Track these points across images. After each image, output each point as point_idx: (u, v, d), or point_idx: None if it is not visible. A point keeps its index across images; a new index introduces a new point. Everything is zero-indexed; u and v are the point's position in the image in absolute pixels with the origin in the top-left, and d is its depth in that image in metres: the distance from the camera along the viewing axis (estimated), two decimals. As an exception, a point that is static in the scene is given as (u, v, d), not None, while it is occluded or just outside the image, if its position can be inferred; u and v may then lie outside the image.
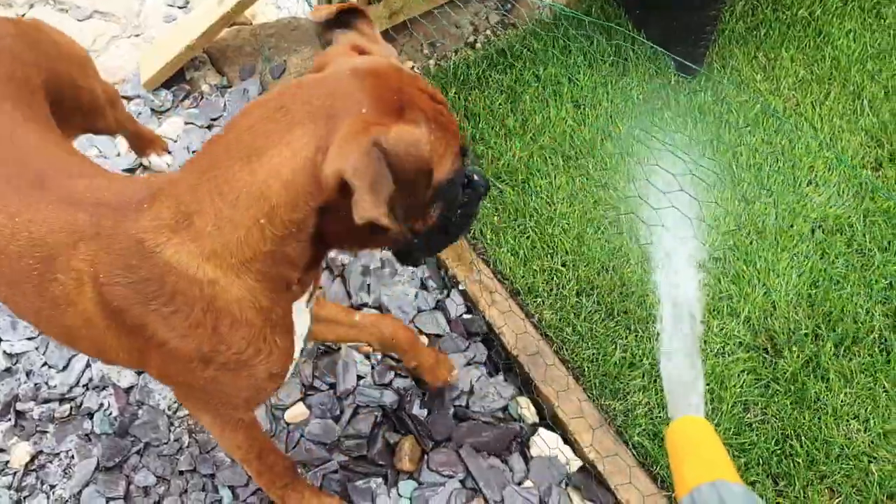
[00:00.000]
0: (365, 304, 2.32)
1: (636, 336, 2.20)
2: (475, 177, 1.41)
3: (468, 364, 2.21)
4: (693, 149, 2.52)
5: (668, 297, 1.34)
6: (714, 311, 2.23)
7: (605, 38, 2.82)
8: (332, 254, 2.36)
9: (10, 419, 2.11)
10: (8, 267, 1.43)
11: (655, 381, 2.14)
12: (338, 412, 2.12)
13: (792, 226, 2.38)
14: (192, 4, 3.12)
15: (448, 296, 2.36)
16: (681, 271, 1.40)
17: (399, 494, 1.99)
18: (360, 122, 1.15)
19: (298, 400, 2.13)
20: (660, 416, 2.07)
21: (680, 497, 1.10)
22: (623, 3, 2.96)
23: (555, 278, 2.32)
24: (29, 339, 2.24)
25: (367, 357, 2.23)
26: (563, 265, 2.34)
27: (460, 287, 2.34)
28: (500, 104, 2.70)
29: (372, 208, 1.12)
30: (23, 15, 3.06)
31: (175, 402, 2.13)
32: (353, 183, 1.12)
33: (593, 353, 2.18)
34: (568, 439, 2.08)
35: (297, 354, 1.51)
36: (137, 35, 3.02)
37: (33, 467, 2.05)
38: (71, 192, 1.42)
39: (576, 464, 2.04)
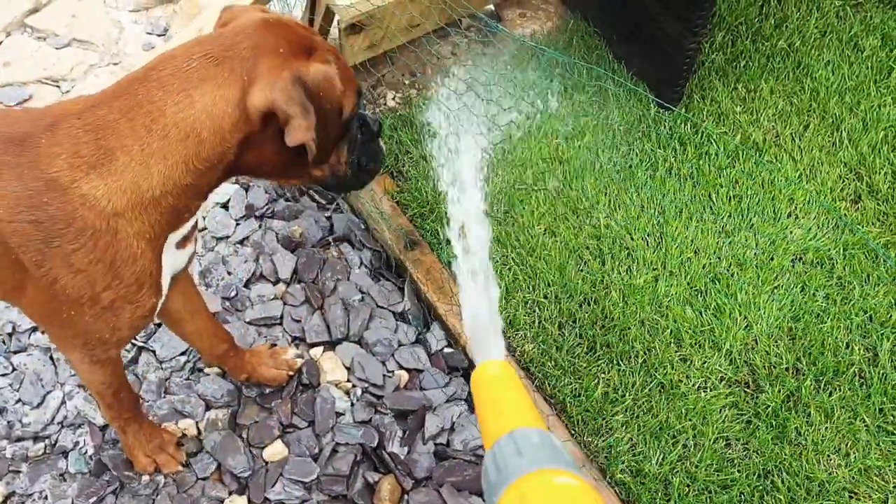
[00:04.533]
0: (346, 338, 2.30)
1: (618, 370, 2.19)
2: (368, 117, 1.59)
3: (449, 401, 2.19)
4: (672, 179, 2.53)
5: (462, 249, 1.35)
6: (696, 344, 2.23)
7: (586, 70, 2.83)
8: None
9: (-19, 459, 2.07)
10: None
11: (638, 416, 2.13)
12: (317, 450, 2.09)
13: (772, 258, 2.39)
14: (171, 32, 3.11)
15: (429, 329, 2.34)
16: (471, 225, 1.39)
17: (379, 535, 1.97)
18: (281, 58, 1.32)
19: (277, 437, 2.10)
20: (642, 453, 2.06)
21: (489, 444, 1.06)
22: (604, 35, 2.97)
23: (536, 310, 2.31)
24: (2, 375, 2.20)
25: (347, 393, 2.21)
26: (545, 297, 2.33)
27: (441, 320, 2.32)
28: (479, 134, 2.70)
29: (305, 132, 1.32)
30: None
31: (151, 441, 2.09)
32: (285, 110, 1.30)
33: (575, 388, 2.16)
34: (550, 477, 2.06)
35: (164, 290, 1.55)
36: (116, 63, 3.00)
37: (5, 509, 2.01)
38: None
39: (558, 502, 2.02)
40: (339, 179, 1.58)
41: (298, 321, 2.32)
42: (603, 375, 2.19)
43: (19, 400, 2.17)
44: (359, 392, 2.20)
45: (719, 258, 2.39)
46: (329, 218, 2.58)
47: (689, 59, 2.64)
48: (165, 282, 1.54)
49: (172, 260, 1.55)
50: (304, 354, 2.26)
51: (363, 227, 2.56)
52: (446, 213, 1.40)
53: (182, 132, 1.31)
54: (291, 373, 2.19)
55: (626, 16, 2.83)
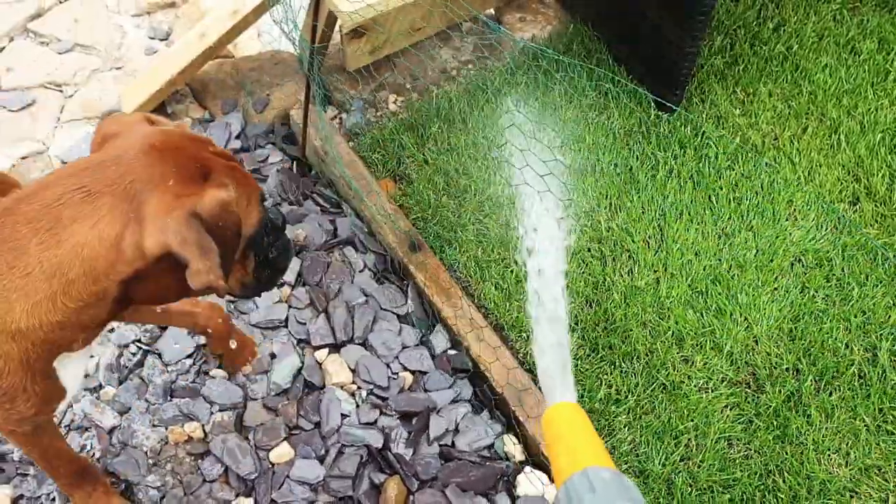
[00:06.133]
0: (350, 341, 2.32)
1: (621, 371, 2.22)
2: (271, 216, 1.53)
3: (454, 402, 2.21)
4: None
5: (536, 293, 1.38)
6: (697, 345, 2.25)
7: (587, 73, 2.85)
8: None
9: (-11, 462, 2.08)
10: None
11: (640, 417, 2.15)
12: (322, 452, 2.11)
13: (772, 260, 2.41)
14: (173, 37, 3.13)
15: (433, 331, 2.36)
16: (547, 272, 1.44)
17: (385, 536, 1.99)
18: (171, 195, 1.24)
19: (283, 440, 2.12)
20: (645, 453, 2.08)
21: (558, 488, 1.11)
22: (604, 38, 3.00)
23: (539, 313, 2.33)
24: (9, 379, 2.21)
25: (352, 395, 2.22)
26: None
27: (445, 322, 2.34)
28: (482, 137, 2.72)
29: (208, 273, 1.23)
30: (2, 48, 3.05)
31: (159, 443, 2.11)
32: (182, 254, 1.21)
33: (579, 390, 2.18)
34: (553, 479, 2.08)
35: (71, 392, 1.53)
36: (119, 68, 3.02)
37: (14, 511, 2.02)
38: None
39: (562, 502, 2.04)
40: (246, 288, 1.54)
41: (303, 324, 2.34)
42: (605, 377, 2.21)
43: (26, 403, 2.18)
44: (364, 394, 2.22)
45: (720, 260, 2.41)
46: (333, 222, 2.60)
47: (688, 63, 2.67)
48: (69, 381, 1.51)
49: (78, 361, 1.52)
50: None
51: (366, 230, 2.58)
52: (524, 267, 1.43)
53: (45, 272, 1.24)
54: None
55: (625, 20, 2.86)
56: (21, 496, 2.04)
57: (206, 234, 1.24)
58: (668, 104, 2.71)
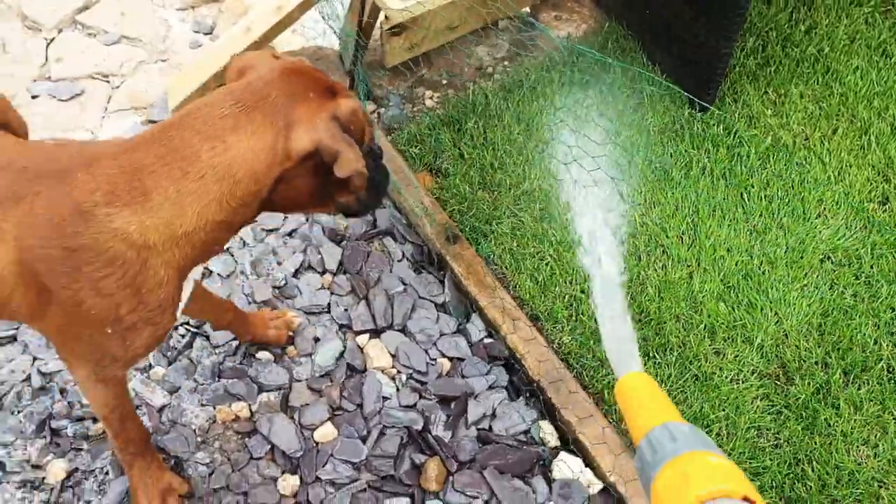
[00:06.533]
0: (390, 327, 2.39)
1: (654, 363, 2.28)
2: (375, 142, 1.72)
3: (490, 388, 2.28)
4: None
5: (597, 274, 1.49)
6: (729, 338, 2.31)
7: (622, 71, 2.91)
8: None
9: (45, 437, 2.16)
10: None
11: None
12: (365, 432, 2.18)
13: (802, 257, 2.47)
14: (217, 32, 3.21)
15: (469, 320, 2.43)
16: (605, 249, 1.53)
17: (425, 514, 2.06)
18: (314, 103, 1.46)
19: (327, 420, 2.20)
20: (677, 441, 2.14)
21: (637, 443, 1.21)
22: (638, 37, 3.06)
23: (574, 304, 2.40)
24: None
25: (392, 379, 2.30)
26: (582, 291, 2.42)
27: (482, 312, 2.41)
28: (517, 133, 2.79)
29: (357, 161, 1.46)
30: (51, 40, 3.14)
31: (207, 422, 2.19)
32: (332, 146, 1.44)
33: (613, 380, 2.25)
34: (589, 463, 2.14)
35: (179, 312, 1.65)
36: (164, 60, 3.11)
37: (69, 484, 2.10)
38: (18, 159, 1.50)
39: (597, 487, 2.11)
40: (359, 202, 1.70)
41: (345, 310, 2.42)
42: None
43: (79, 381, 2.26)
44: (403, 378, 2.30)
45: (751, 256, 2.47)
46: (373, 213, 2.67)
47: (722, 64, 2.73)
48: (181, 306, 1.63)
49: (190, 285, 1.64)
50: (300, 316, 2.39)
51: (405, 222, 2.66)
52: (584, 250, 1.51)
53: (217, 174, 1.41)
54: (291, 332, 2.34)
55: (660, 20, 2.92)
56: (76, 469, 2.12)
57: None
58: (702, 103, 2.78)
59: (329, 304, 2.43)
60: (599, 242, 1.49)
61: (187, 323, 2.36)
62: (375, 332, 2.39)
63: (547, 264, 2.48)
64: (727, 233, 2.51)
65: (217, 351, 2.32)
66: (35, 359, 2.28)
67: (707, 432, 2.16)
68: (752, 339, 2.30)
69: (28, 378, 2.25)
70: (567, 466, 2.12)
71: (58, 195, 1.41)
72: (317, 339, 2.36)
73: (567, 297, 2.41)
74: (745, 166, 2.67)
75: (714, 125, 2.78)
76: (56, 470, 2.10)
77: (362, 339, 2.37)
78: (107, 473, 2.12)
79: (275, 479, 2.10)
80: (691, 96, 2.79)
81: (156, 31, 3.21)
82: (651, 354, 2.29)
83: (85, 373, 1.71)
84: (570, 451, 2.18)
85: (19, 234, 1.42)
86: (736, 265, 2.45)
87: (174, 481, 2.04)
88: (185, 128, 1.43)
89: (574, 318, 2.38)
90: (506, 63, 3.10)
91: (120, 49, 3.13)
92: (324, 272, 2.50)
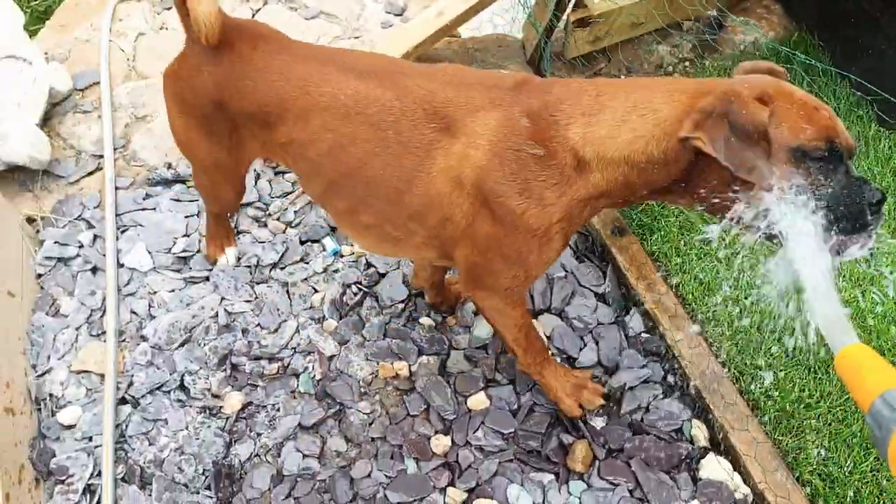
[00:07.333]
0: (547, 309, 2.46)
1: (815, 378, 2.23)
2: (866, 185, 1.57)
3: (645, 382, 2.30)
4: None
5: (803, 255, 1.51)
6: (900, 364, 2.22)
7: (808, 80, 2.84)
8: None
9: (226, 370, 2.37)
10: (391, 139, 1.70)
11: (830, 424, 2.16)
12: (516, 406, 2.26)
13: None
14: (407, 14, 3.36)
15: (628, 313, 2.46)
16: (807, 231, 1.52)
17: (569, 492, 2.11)
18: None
19: (481, 389, 2.29)
20: (832, 458, 2.10)
21: (867, 406, 1.26)
22: (829, 48, 2.96)
23: (736, 310, 2.38)
24: (247, 301, 2.51)
25: (547, 360, 2.36)
26: (746, 297, 2.39)
27: (643, 306, 2.43)
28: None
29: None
30: (257, 10, 3.39)
31: (371, 375, 2.33)
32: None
33: (771, 389, 2.22)
34: (738, 468, 2.13)
35: None
36: (357, 37, 3.29)
37: (244, 415, 2.30)
38: (452, 76, 1.72)
39: (743, 492, 2.09)
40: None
41: (507, 288, 2.50)
42: (800, 381, 2.23)
43: (259, 324, 2.46)
44: (557, 360, 2.36)
45: (934, 282, 2.36)
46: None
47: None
48: None
49: None
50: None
51: (571, 210, 2.71)
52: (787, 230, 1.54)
53: (653, 120, 1.54)
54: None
55: (855, 32, 2.82)
56: (250, 402, 2.32)
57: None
58: (891, 121, 2.67)
59: (492, 281, 2.52)
60: (802, 233, 1.50)
61: (360, 282, 2.51)
62: (533, 313, 2.46)
63: (713, 267, 2.46)
64: (909, 256, 2.41)
65: (384, 312, 2.46)
66: (223, 299, 2.50)
67: (865, 455, 2.09)
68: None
69: (216, 315, 2.47)
70: (716, 468, 2.12)
71: (523, 103, 1.63)
72: (476, 313, 2.45)
73: (730, 302, 2.39)
74: (936, 190, 2.55)
75: (904, 144, 2.67)
76: (233, 401, 2.31)
77: (521, 318, 2.44)
78: (278, 410, 2.30)
79: (428, 438, 2.22)
80: (880, 112, 2.69)
81: (351, 9, 3.40)
82: (812, 369, 2.24)
83: (497, 300, 1.91)
84: (720, 453, 2.17)
85: (489, 137, 1.63)
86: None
87: (578, 373, 2.24)
88: (613, 86, 1.63)
89: (735, 324, 2.35)
90: (686, 63, 3.08)
91: (318, 23, 3.34)
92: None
